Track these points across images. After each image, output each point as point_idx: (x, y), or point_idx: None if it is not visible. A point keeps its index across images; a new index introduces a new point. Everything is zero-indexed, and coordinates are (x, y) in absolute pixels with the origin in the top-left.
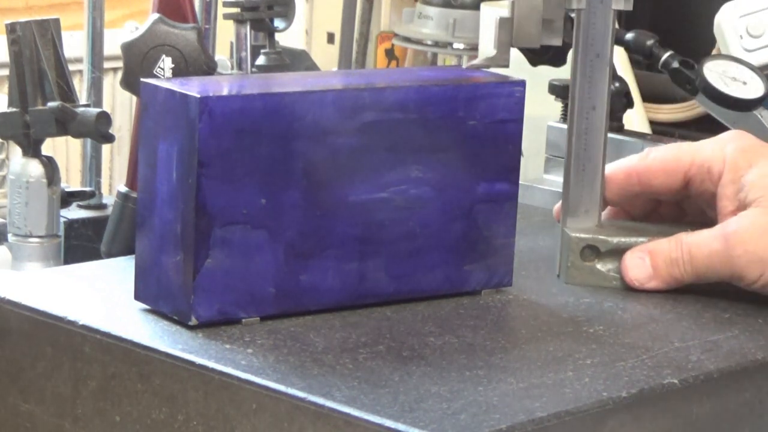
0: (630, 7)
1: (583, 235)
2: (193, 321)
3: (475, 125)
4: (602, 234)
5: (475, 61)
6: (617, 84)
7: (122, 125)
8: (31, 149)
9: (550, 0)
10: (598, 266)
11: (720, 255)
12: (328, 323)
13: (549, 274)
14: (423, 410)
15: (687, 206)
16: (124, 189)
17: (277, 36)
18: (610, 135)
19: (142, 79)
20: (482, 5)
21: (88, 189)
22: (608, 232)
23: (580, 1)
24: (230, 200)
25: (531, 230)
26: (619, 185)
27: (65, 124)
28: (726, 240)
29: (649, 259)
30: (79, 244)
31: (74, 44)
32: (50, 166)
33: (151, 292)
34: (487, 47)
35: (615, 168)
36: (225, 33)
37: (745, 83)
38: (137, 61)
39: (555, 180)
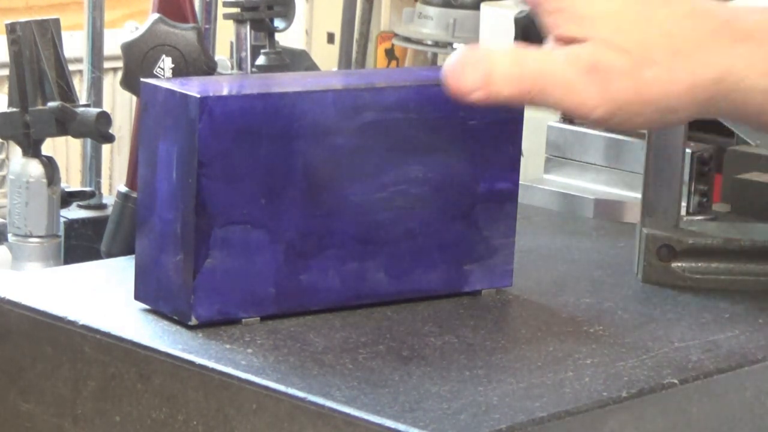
0: None
1: (659, 235)
2: (193, 321)
3: (475, 125)
4: (679, 234)
5: None
6: None
7: (122, 125)
8: (31, 149)
9: None
10: (674, 266)
11: (568, 87)
12: (328, 323)
13: (549, 274)
14: (423, 410)
15: None
16: (124, 189)
17: (277, 36)
18: (611, 135)
19: (142, 79)
20: (482, 5)
21: (88, 189)
22: (685, 233)
23: None
24: (230, 200)
25: (531, 230)
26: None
27: (65, 124)
28: (580, 73)
29: (484, 66)
30: (79, 244)
31: (74, 44)
32: (50, 166)
33: (151, 292)
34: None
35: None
36: (225, 33)
37: None
38: (137, 61)
39: (555, 180)
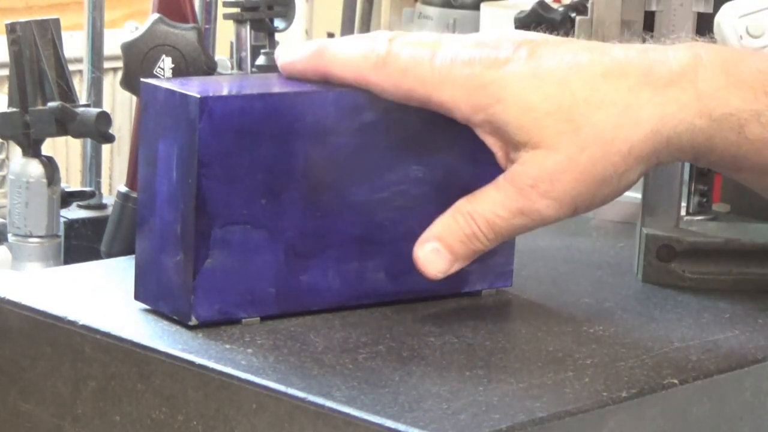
0: (710, 9)
1: (660, 235)
2: (193, 321)
3: None
4: (679, 234)
5: None
6: None
7: (122, 125)
8: (31, 149)
9: (629, 1)
10: (674, 266)
11: (524, 213)
12: (328, 323)
13: (549, 274)
14: (423, 410)
15: None
16: (124, 189)
17: (277, 36)
18: None
19: (142, 79)
20: (482, 5)
21: (88, 189)
22: (685, 233)
23: (659, 2)
24: (230, 200)
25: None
26: None
27: (65, 124)
28: (525, 196)
29: (442, 246)
30: (79, 244)
31: (74, 44)
32: (50, 166)
33: (151, 292)
34: None
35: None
36: (225, 33)
37: None
38: (137, 61)
39: None
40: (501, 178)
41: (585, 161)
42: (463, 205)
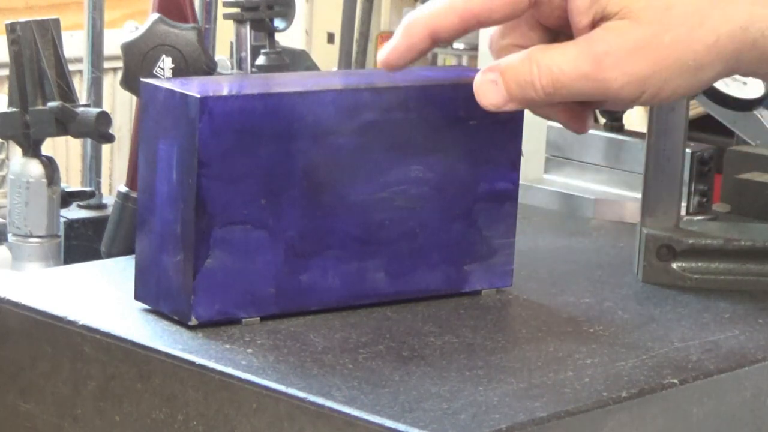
0: None
1: (660, 235)
2: (193, 321)
3: (475, 125)
4: (679, 234)
5: None
6: None
7: (122, 125)
8: (31, 149)
9: None
10: (674, 266)
11: (590, 78)
12: (328, 323)
13: (549, 274)
14: (423, 410)
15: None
16: (124, 189)
17: (277, 36)
18: (611, 135)
19: (142, 79)
20: None
21: (88, 189)
22: (685, 233)
23: None
24: (230, 200)
25: (531, 230)
26: (455, 29)
27: (65, 124)
28: (597, 62)
29: (501, 80)
30: (79, 244)
31: (74, 44)
32: (50, 166)
33: (151, 292)
34: None
35: (444, 10)
36: (225, 33)
37: (744, 83)
38: (137, 61)
39: (555, 180)
40: (577, 39)
41: (668, 41)
42: (536, 51)
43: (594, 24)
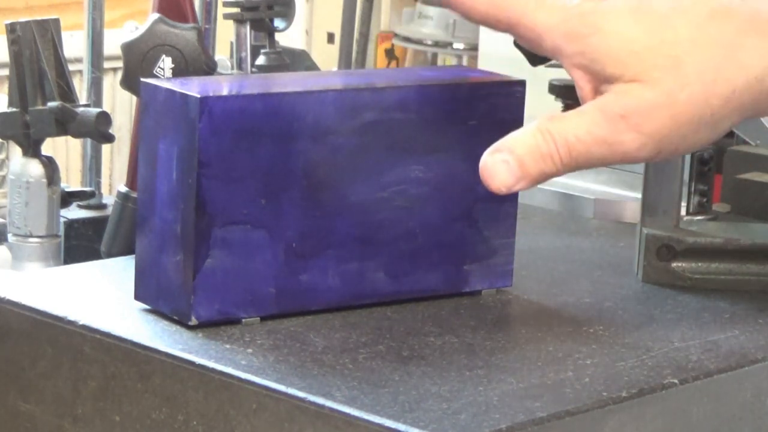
0: None
1: (660, 235)
2: (193, 321)
3: (475, 125)
4: (679, 234)
5: None
6: None
7: (122, 125)
8: (31, 149)
9: None
10: (674, 266)
11: (607, 143)
12: (328, 323)
13: (549, 274)
14: (423, 410)
15: None
16: (124, 189)
17: (277, 36)
18: None
19: (142, 79)
20: None
21: (88, 189)
22: (685, 232)
23: None
24: (230, 200)
25: (531, 230)
26: None
27: (65, 124)
28: (613, 125)
29: (513, 159)
30: (79, 244)
31: (74, 44)
32: (50, 166)
33: (151, 292)
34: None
35: None
36: (225, 33)
37: None
38: (137, 61)
39: (555, 180)
40: (589, 105)
41: (684, 100)
42: (544, 123)
43: (596, 90)
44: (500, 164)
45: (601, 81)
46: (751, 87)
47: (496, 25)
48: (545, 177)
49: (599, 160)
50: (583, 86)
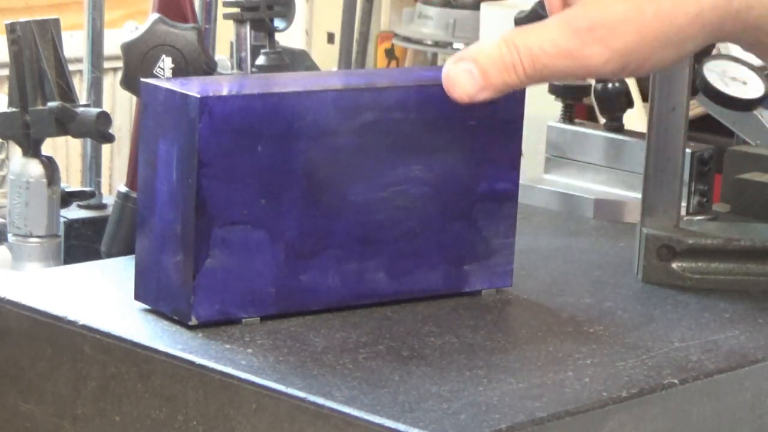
0: None
1: (660, 235)
2: (193, 321)
3: (475, 125)
4: (679, 234)
5: None
6: (617, 84)
7: (122, 125)
8: (31, 149)
9: None
10: (674, 266)
11: (573, 56)
12: (328, 323)
13: (549, 274)
14: (423, 410)
15: None
16: (124, 189)
17: (277, 36)
18: (611, 135)
19: (142, 79)
20: (482, 5)
21: (88, 189)
22: (685, 232)
23: None
24: (230, 200)
25: (531, 230)
26: None
27: (65, 124)
28: (579, 38)
29: (476, 68)
30: (79, 244)
31: (74, 44)
32: (50, 166)
33: (151, 292)
34: None
35: None
36: (225, 33)
37: (745, 83)
38: (137, 61)
39: (555, 180)
40: (556, 17)
41: (652, 14)
42: (510, 34)
43: (564, 2)
44: (463, 73)
45: None
46: (717, 7)
47: None
48: (508, 88)
49: (564, 73)
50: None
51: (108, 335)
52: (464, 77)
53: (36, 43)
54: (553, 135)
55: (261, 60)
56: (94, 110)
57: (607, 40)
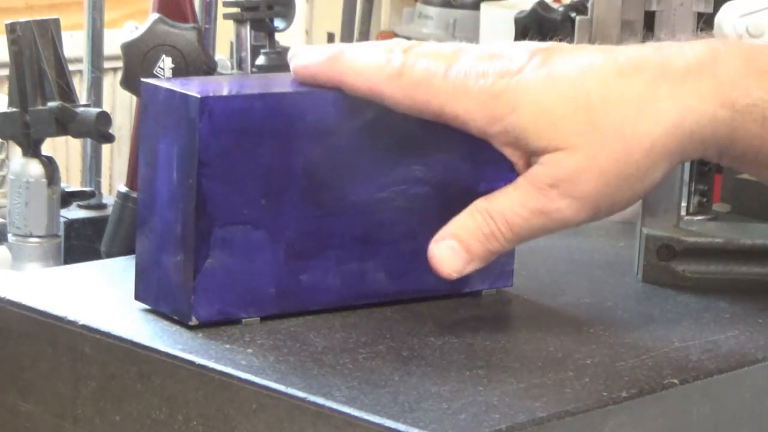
0: (710, 9)
1: (660, 235)
2: (193, 321)
3: None
4: (679, 234)
5: None
6: None
7: (122, 125)
8: (31, 149)
9: (629, 1)
10: (674, 266)
11: (544, 212)
12: (328, 323)
13: (549, 274)
14: (423, 410)
15: None
16: (124, 189)
17: (277, 36)
18: None
19: (142, 79)
20: (482, 5)
21: (88, 189)
22: (685, 232)
23: (659, 2)
24: (230, 200)
25: None
26: None
27: (65, 124)
28: (545, 195)
29: (458, 244)
30: (79, 244)
31: (74, 44)
32: (50, 166)
33: (151, 292)
34: None
35: None
36: (225, 33)
37: None
38: (137, 61)
39: None
40: (521, 178)
41: (605, 159)
42: (481, 203)
43: (528, 163)
44: (447, 251)
45: (530, 154)
46: (670, 134)
47: (424, 115)
48: (493, 255)
49: (541, 230)
50: (516, 161)
51: (108, 335)
52: (449, 255)
53: (36, 43)
54: None
55: (261, 60)
56: (94, 110)
57: (571, 192)
